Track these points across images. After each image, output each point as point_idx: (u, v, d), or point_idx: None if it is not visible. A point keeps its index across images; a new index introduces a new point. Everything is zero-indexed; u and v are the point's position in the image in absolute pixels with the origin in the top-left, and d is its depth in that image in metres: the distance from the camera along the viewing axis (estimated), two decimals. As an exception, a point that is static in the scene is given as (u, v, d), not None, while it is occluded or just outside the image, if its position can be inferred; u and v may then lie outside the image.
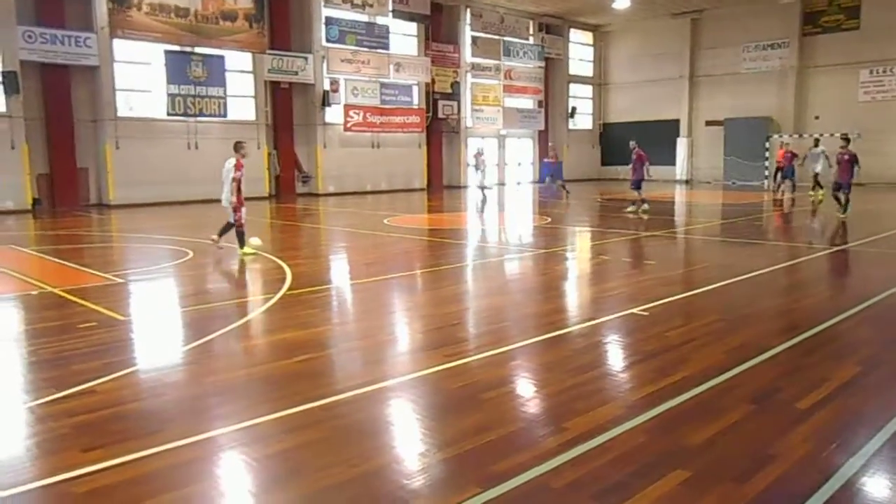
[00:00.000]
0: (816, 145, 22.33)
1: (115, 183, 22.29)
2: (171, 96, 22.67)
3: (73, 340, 6.43)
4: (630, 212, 18.12)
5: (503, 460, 3.82)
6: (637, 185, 18.40)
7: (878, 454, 3.87)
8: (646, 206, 18.09)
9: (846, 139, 16.53)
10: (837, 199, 16.20)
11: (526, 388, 5.20)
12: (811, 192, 20.89)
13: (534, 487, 3.53)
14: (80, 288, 8.96)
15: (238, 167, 11.16)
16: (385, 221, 17.35)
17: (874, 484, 3.56)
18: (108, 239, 15.40)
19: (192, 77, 22.99)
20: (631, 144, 18.72)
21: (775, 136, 29.98)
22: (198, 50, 23.24)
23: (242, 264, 10.90)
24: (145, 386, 5.32)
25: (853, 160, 15.85)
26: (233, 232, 11.48)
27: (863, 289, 8.54)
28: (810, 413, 4.46)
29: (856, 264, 10.71)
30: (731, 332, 6.67)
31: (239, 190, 11.21)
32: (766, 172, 28.72)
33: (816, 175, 21.05)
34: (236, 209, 11.26)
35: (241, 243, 11.37)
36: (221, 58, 23.79)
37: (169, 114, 22.83)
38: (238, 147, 11.43)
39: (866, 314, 7.20)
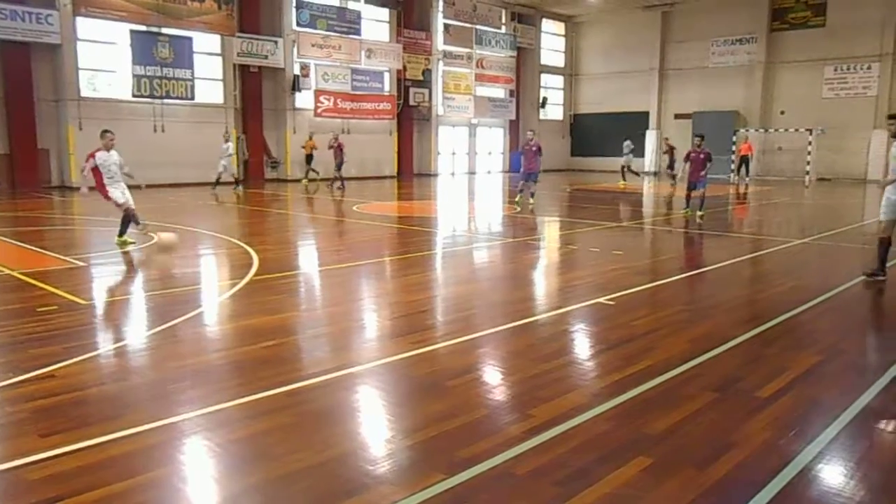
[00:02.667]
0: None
1: (77, 165, 21.75)
2: (137, 77, 22.24)
3: (31, 324, 6.28)
4: (700, 216, 15.08)
5: (468, 447, 3.83)
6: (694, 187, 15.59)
7: (834, 441, 3.96)
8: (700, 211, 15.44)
9: (700, 136, 15.76)
10: (688, 199, 15.57)
11: (492, 376, 5.22)
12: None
13: (498, 474, 3.54)
14: (40, 271, 8.76)
15: (91, 156, 10.69)
16: (354, 208, 17.25)
17: (830, 470, 3.65)
18: (69, 222, 15.08)
19: (158, 58, 22.56)
20: (696, 141, 15.66)
21: (742, 130, 30.44)
22: (164, 30, 22.81)
23: (208, 249, 10.75)
24: (106, 371, 5.23)
25: (707, 158, 15.05)
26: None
27: (823, 281, 8.72)
28: (770, 401, 4.55)
29: (817, 257, 10.93)
30: (695, 321, 6.77)
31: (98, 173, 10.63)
32: (732, 166, 29.17)
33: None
34: (105, 196, 10.72)
35: (123, 230, 10.77)
36: (189, 39, 23.38)
37: (134, 95, 22.40)
38: (104, 136, 10.94)
39: (826, 306, 7.35)
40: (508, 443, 3.88)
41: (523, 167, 18.01)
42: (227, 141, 21.20)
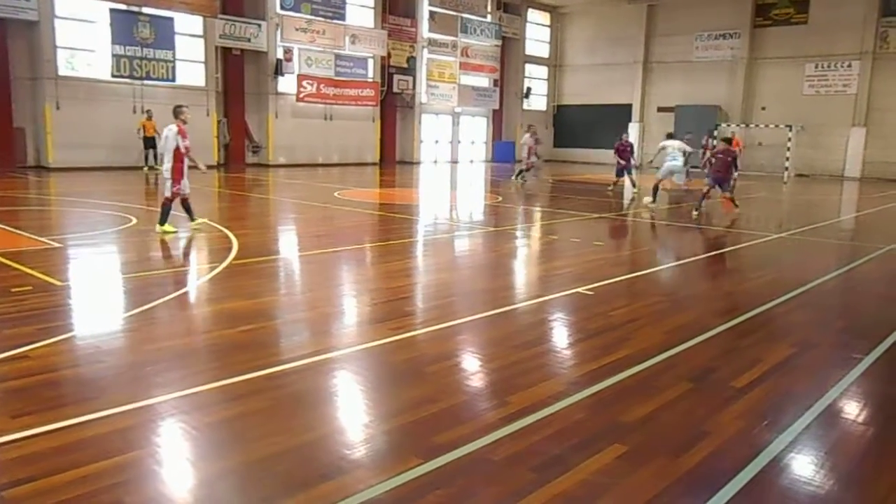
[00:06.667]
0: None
1: (54, 145, 21.47)
2: (117, 57, 21.89)
3: (5, 305, 6.19)
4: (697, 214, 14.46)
5: (445, 432, 3.84)
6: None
7: (805, 432, 4.03)
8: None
9: (711, 134, 16.94)
10: (704, 197, 14.71)
11: (470, 363, 5.23)
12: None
13: (474, 459, 3.56)
14: (16, 251, 8.63)
15: (183, 134, 10.07)
16: (336, 194, 17.17)
17: (801, 460, 3.71)
18: (46, 202, 14.87)
19: (138, 38, 22.22)
20: (718, 142, 15.13)
21: (723, 124, 30.65)
22: (145, 10, 22.43)
23: (187, 232, 10.65)
24: (82, 353, 5.17)
25: (734, 161, 14.60)
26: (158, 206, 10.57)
27: (799, 275, 8.83)
28: (744, 392, 4.61)
29: (793, 251, 11.06)
30: (672, 312, 6.83)
31: (180, 160, 10.18)
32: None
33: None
34: (176, 180, 10.20)
35: (164, 219, 10.28)
36: (170, 19, 23.03)
37: (114, 75, 22.04)
38: (178, 112, 10.22)
39: (801, 299, 7.45)
40: (485, 429, 3.90)
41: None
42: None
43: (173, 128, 10.07)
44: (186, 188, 10.40)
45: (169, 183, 10.23)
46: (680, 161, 16.85)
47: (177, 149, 10.08)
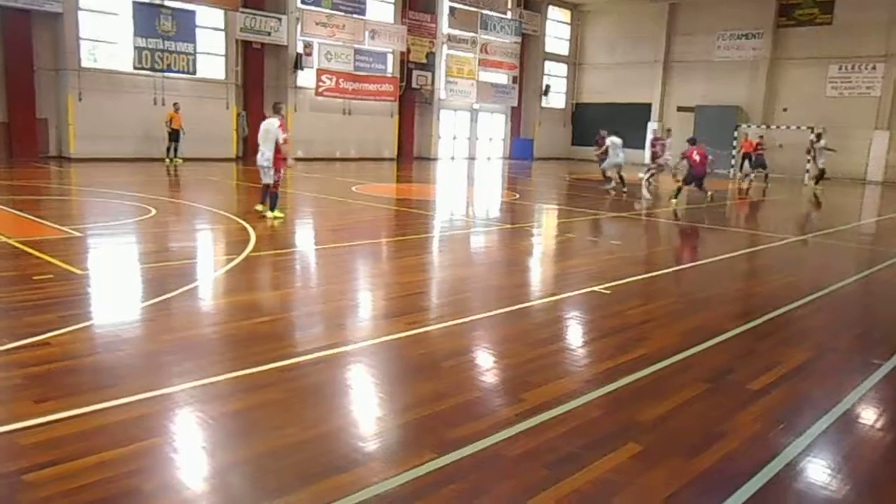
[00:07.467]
0: (819, 139, 22.88)
1: (76, 135, 21.69)
2: (139, 49, 22.05)
3: (27, 292, 6.28)
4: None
5: (459, 427, 3.85)
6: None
7: (822, 436, 4.00)
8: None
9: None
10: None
11: (485, 359, 5.24)
12: (816, 186, 22.73)
13: (488, 455, 3.57)
14: (37, 240, 8.74)
15: (283, 128, 11.20)
16: (353, 189, 17.22)
17: (817, 464, 3.68)
18: (67, 192, 15.03)
19: (160, 31, 22.36)
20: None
21: (744, 125, 30.38)
22: (167, 3, 22.58)
23: (206, 224, 10.74)
24: (101, 341, 5.23)
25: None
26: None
27: (818, 278, 8.75)
28: (761, 394, 4.58)
29: (814, 254, 10.96)
30: (689, 313, 6.79)
31: (279, 151, 11.23)
32: (733, 161, 29.13)
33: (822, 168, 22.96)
34: (277, 170, 11.29)
35: (274, 205, 11.41)
36: (192, 12, 23.15)
37: (135, 67, 22.21)
38: (278, 108, 11.56)
39: (820, 303, 7.38)
40: (500, 425, 3.90)
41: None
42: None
43: (275, 122, 11.14)
44: (269, 177, 11.32)
45: (271, 172, 11.23)
46: (622, 157, 18.85)
47: (276, 141, 11.08)
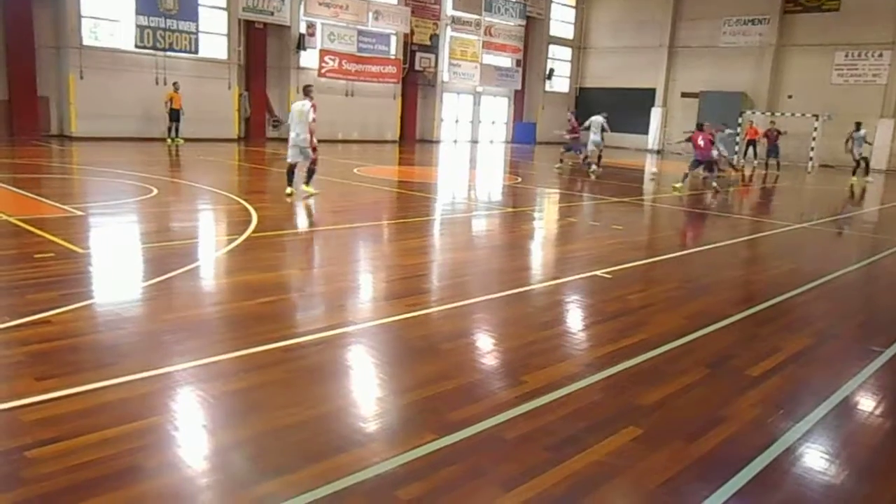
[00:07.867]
0: (858, 129, 22.49)
1: (77, 114, 21.59)
2: (140, 28, 21.90)
3: (28, 270, 6.28)
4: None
5: (459, 409, 3.86)
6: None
7: (821, 422, 4.00)
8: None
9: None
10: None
11: (486, 342, 5.24)
12: (855, 177, 21.79)
13: (488, 437, 3.58)
14: (38, 218, 8.73)
15: (314, 109, 11.50)
16: (355, 171, 17.17)
17: (816, 450, 3.69)
18: (68, 171, 15.00)
19: (162, 9, 22.20)
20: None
21: (748, 111, 30.20)
22: (170, -19, 22.41)
23: (207, 204, 10.73)
24: (102, 319, 5.24)
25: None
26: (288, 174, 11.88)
27: (820, 265, 8.74)
28: (761, 380, 4.58)
29: (815, 242, 10.94)
30: (690, 298, 6.79)
31: (312, 132, 11.60)
32: (737, 148, 29.00)
33: (862, 158, 22.02)
34: (315, 149, 11.67)
35: (309, 180, 11.99)
36: (195, -9, 22.99)
37: (137, 46, 22.07)
38: (309, 90, 11.81)
39: (822, 290, 7.37)
40: (500, 407, 3.91)
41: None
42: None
43: (308, 103, 11.45)
44: (305, 156, 11.70)
45: (309, 150, 11.62)
46: (599, 136, 19.72)
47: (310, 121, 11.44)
